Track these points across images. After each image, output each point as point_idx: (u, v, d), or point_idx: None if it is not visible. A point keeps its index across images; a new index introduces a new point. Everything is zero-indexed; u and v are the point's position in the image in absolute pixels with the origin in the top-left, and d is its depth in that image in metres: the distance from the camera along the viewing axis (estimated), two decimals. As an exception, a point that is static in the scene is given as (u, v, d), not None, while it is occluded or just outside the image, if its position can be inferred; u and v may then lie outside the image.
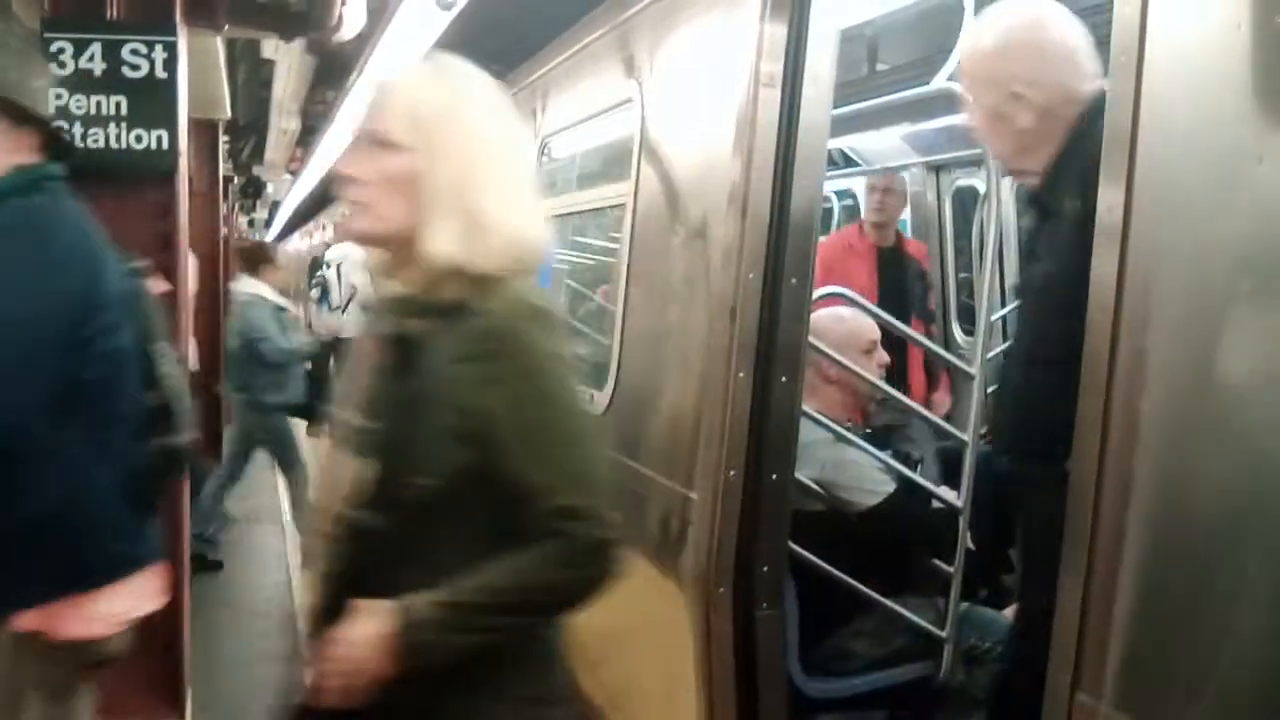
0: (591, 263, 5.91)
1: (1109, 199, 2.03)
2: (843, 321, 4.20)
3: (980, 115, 2.97)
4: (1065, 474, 2.13)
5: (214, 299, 9.85)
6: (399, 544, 2.11)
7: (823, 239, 6.51)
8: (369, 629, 2.03)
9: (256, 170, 18.18)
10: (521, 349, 2.13)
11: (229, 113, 9.86)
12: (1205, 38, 1.85)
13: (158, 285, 3.17)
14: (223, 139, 10.49)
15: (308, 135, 14.61)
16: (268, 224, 35.88)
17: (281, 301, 8.46)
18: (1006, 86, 2.85)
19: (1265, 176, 1.73)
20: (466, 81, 2.27)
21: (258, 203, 24.35)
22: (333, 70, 9.87)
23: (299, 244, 29.56)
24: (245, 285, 8.39)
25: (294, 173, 18.91)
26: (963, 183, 8.37)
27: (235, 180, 17.79)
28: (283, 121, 11.48)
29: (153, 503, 3.05)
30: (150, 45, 4.08)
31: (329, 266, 10.83)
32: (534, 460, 2.10)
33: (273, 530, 8.46)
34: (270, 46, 8.23)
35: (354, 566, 2.16)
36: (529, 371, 2.12)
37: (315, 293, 10.85)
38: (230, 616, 6.51)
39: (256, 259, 8.62)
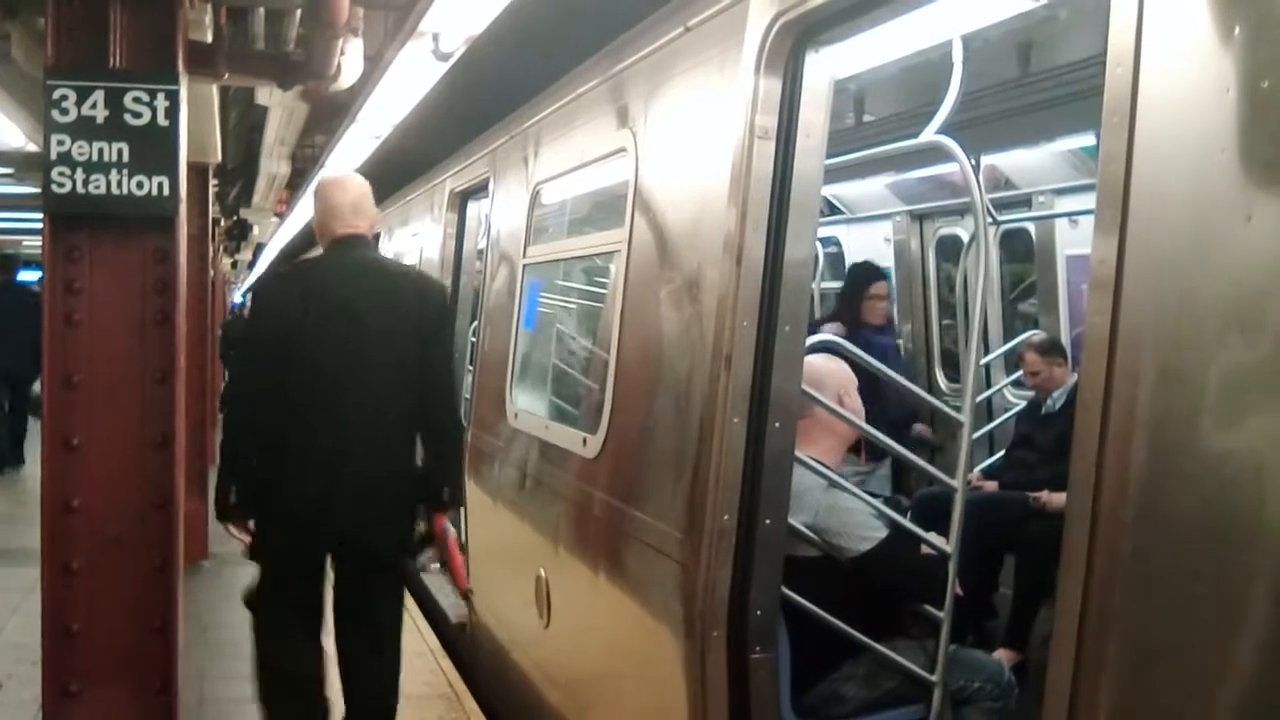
0: (583, 308, 5.97)
1: (1102, 252, 2.10)
2: (836, 361, 4.27)
3: None
4: None
5: (201, 339, 9.86)
6: None
7: None
8: None
9: (244, 213, 18.22)
10: None
11: (219, 156, 9.92)
12: (1195, 100, 1.93)
13: None
14: (211, 182, 10.53)
15: (297, 179, 14.68)
16: (251, 265, 35.84)
17: None
18: None
19: (1254, 233, 1.80)
20: None
21: (242, 244, 24.36)
22: (324, 115, 9.95)
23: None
24: None
25: (280, 215, 18.95)
26: (945, 231, 8.48)
27: (222, 223, 17.82)
28: (272, 166, 11.55)
29: None
30: (153, 93, 4.12)
31: None
32: None
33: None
34: (264, 93, 8.30)
35: None
36: None
37: None
38: (218, 658, 6.48)
39: None
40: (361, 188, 4.73)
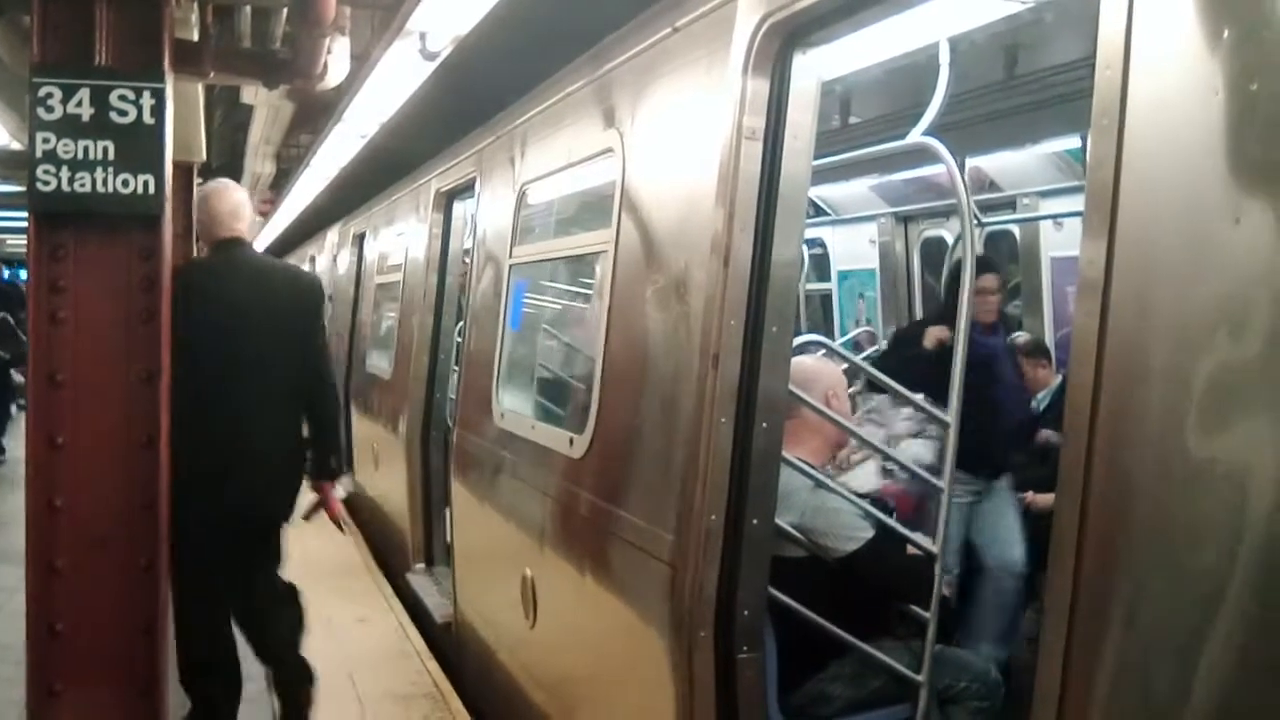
0: (569, 309, 5.97)
1: (1090, 254, 2.11)
2: (827, 362, 4.28)
3: None
4: None
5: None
6: None
7: None
8: None
9: (227, 212, 18.12)
10: None
11: (204, 155, 9.86)
12: (1184, 102, 1.94)
13: None
14: (196, 180, 10.49)
15: (282, 178, 14.64)
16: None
17: None
18: None
19: (1242, 235, 1.81)
20: None
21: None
22: (310, 115, 9.92)
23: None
24: None
25: (265, 215, 18.90)
26: (930, 233, 8.52)
27: (205, 222, 17.73)
28: (257, 165, 11.51)
29: None
30: (139, 91, 4.09)
31: None
32: None
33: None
34: (250, 91, 8.27)
35: None
36: None
37: None
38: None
39: None
40: (239, 196, 5.32)
